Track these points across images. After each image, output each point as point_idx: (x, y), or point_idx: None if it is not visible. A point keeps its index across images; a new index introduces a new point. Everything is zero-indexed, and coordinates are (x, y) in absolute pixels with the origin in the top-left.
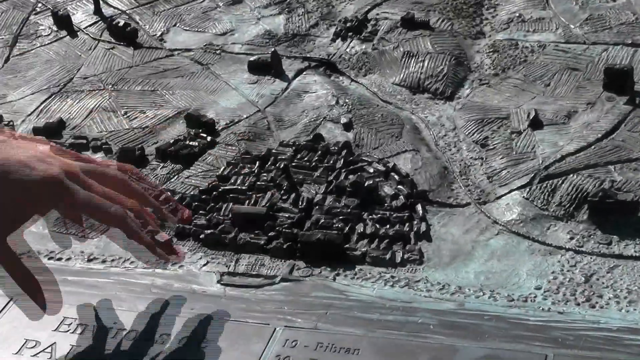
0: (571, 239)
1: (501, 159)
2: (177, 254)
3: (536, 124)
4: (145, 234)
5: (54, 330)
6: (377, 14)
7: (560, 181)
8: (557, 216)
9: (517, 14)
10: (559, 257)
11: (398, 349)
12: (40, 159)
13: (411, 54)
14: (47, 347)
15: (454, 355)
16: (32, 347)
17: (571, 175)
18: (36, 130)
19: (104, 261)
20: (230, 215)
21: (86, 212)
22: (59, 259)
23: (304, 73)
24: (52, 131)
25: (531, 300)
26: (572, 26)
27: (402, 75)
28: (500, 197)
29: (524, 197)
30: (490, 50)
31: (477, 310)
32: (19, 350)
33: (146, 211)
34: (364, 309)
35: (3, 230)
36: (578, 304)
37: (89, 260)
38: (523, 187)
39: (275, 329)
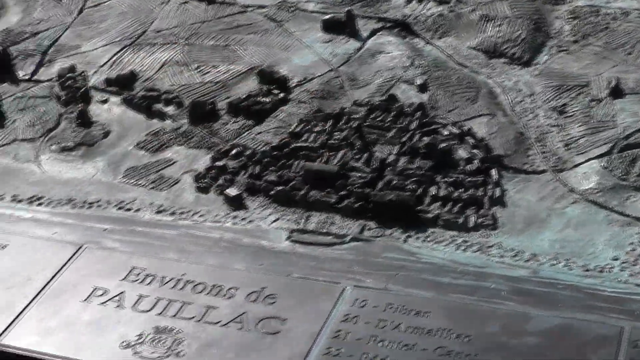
0: None
1: (579, 126)
2: None
3: (617, 92)
4: None
5: (122, 279)
6: None
7: None
8: (637, 187)
9: None
10: (637, 228)
11: (469, 314)
12: None
13: (489, 18)
14: (115, 296)
15: (526, 322)
16: (100, 295)
17: None
18: (109, 82)
19: (173, 213)
20: (301, 173)
21: None
22: (129, 210)
23: (379, 33)
24: (124, 83)
25: (607, 271)
26: None
27: (478, 39)
28: (577, 166)
29: (602, 166)
30: (571, 16)
31: (551, 278)
32: (87, 297)
33: None
34: (435, 272)
35: None
36: None
37: (158, 212)
38: (602, 156)
39: (344, 288)
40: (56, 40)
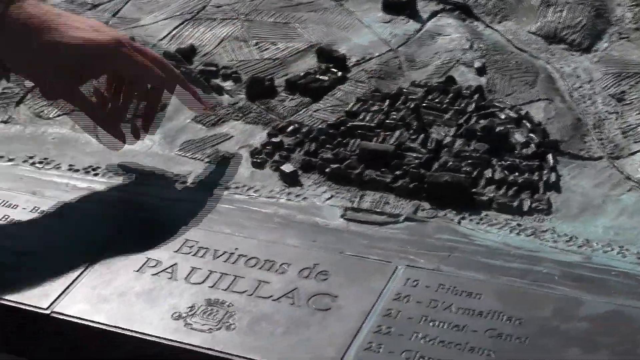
0: None
1: (637, 114)
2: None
3: None
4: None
5: (176, 251)
6: None
7: None
8: None
9: None
10: None
11: (521, 297)
12: (95, 28)
13: (549, 3)
14: (168, 267)
15: (578, 307)
16: (153, 266)
17: None
18: (167, 55)
19: (227, 188)
20: (357, 151)
21: (136, 72)
22: (184, 183)
23: (439, 15)
24: (184, 56)
25: None
26: None
27: (538, 24)
28: (634, 153)
29: None
30: (633, 3)
31: (604, 265)
32: (140, 267)
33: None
34: (488, 255)
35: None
36: None
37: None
38: None
39: (396, 267)
40: (117, 13)
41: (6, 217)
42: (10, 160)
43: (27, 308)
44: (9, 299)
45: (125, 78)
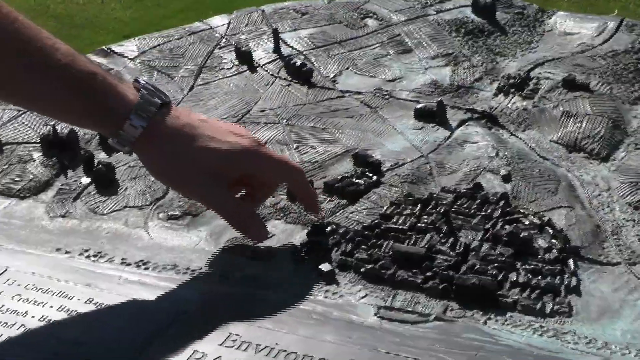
0: None
1: None
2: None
3: None
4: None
5: (220, 344)
6: (539, 73)
7: None
8: None
9: None
10: None
11: None
12: (235, 132)
13: (570, 114)
14: None
15: None
16: (199, 358)
17: None
18: None
19: (268, 285)
20: (390, 253)
21: (274, 171)
22: (227, 278)
23: (467, 124)
24: None
25: None
26: None
27: (560, 134)
28: None
29: None
30: None
31: None
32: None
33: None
34: (512, 355)
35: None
36: None
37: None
38: None
39: None
40: None
41: (62, 307)
42: (67, 252)
43: None
44: None
45: (259, 176)
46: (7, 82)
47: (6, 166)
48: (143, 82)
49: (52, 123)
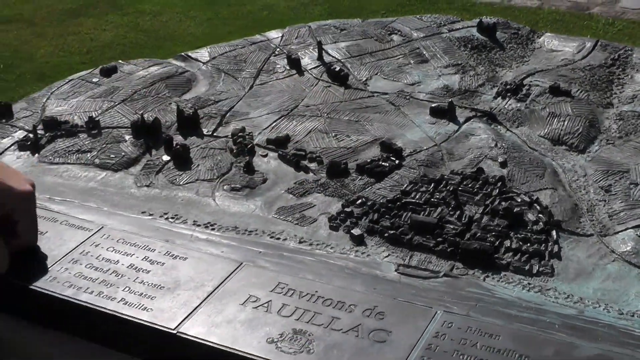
0: None
1: (620, 202)
2: None
3: None
4: None
5: (271, 291)
6: (531, 81)
7: None
8: None
9: None
10: None
11: (529, 340)
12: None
13: (555, 115)
14: (264, 303)
15: (573, 350)
16: (253, 302)
17: None
18: (269, 141)
19: (310, 244)
20: (408, 221)
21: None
22: (278, 239)
23: (471, 120)
24: (280, 143)
25: (637, 316)
26: None
27: (546, 130)
28: (617, 233)
29: (637, 234)
30: (617, 117)
31: (594, 318)
32: (244, 302)
33: None
34: (505, 306)
35: None
36: None
37: (300, 242)
38: (637, 227)
39: (436, 312)
40: (232, 108)
41: (146, 257)
42: (150, 215)
43: (159, 328)
44: (146, 320)
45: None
46: None
47: (104, 145)
48: None
49: (141, 112)
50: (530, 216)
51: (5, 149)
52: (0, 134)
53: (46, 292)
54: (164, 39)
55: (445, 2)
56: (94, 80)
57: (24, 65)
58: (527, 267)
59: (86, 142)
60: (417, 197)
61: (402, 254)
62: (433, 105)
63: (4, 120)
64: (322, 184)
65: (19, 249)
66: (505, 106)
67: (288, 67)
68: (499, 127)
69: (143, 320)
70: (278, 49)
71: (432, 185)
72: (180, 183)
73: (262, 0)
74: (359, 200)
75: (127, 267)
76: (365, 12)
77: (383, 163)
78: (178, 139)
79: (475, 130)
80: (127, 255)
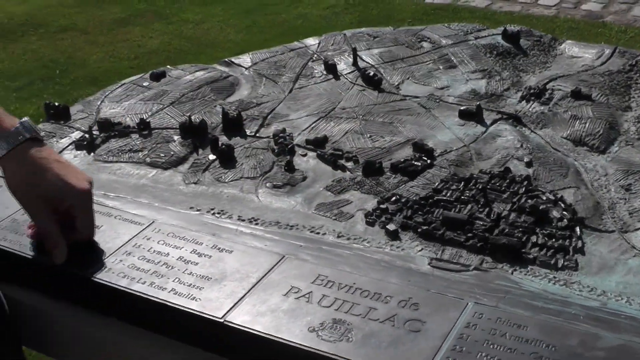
0: None
1: None
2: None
3: None
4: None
5: (312, 282)
6: (553, 86)
7: None
8: None
9: None
10: None
11: (555, 330)
12: (77, 178)
13: (576, 117)
14: (306, 294)
15: (596, 341)
16: (295, 293)
17: None
18: (308, 141)
19: (348, 238)
20: (440, 218)
21: (83, 213)
22: (317, 233)
23: (498, 122)
24: (319, 143)
25: None
26: None
27: (568, 132)
28: (638, 229)
29: None
30: (636, 120)
31: (616, 310)
32: (286, 293)
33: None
34: (532, 298)
35: (42, 209)
36: None
37: (338, 237)
38: None
39: (467, 303)
40: (273, 110)
41: (194, 250)
42: (198, 210)
43: (207, 317)
44: (195, 309)
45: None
46: None
47: (154, 145)
48: (25, 120)
49: (188, 114)
50: (555, 213)
51: (64, 148)
52: (59, 134)
53: (102, 282)
54: (206, 45)
55: (467, 11)
56: (145, 84)
57: (77, 70)
58: (552, 262)
59: (137, 142)
60: (448, 194)
61: (435, 248)
62: (462, 108)
63: (62, 122)
64: (358, 182)
65: (79, 242)
66: (530, 109)
67: (325, 72)
68: (524, 128)
69: (192, 309)
70: (315, 55)
71: (462, 183)
72: (226, 180)
73: (297, 10)
74: (394, 198)
75: (177, 259)
76: (392, 20)
77: (415, 162)
78: (223, 139)
79: (501, 131)
80: (176, 248)
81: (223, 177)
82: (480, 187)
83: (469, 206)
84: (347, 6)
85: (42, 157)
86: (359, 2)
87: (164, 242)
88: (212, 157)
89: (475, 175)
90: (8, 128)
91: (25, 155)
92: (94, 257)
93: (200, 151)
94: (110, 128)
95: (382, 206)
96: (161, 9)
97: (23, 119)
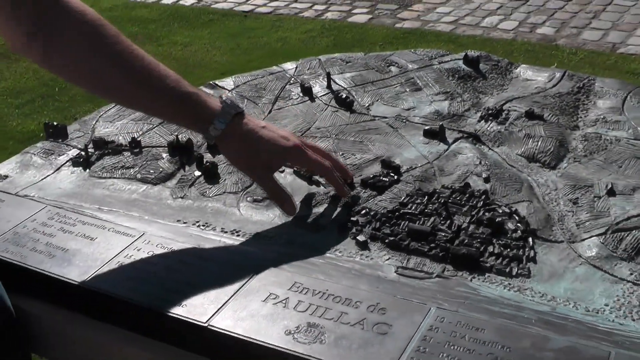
0: (631, 274)
1: (586, 214)
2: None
3: (611, 193)
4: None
5: (288, 289)
6: (509, 107)
7: (626, 234)
8: (622, 257)
9: (602, 116)
10: (621, 285)
11: (510, 333)
12: (283, 136)
13: (530, 136)
14: (283, 300)
15: (546, 342)
16: (273, 299)
17: (634, 230)
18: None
19: (322, 248)
20: (406, 229)
21: (309, 164)
22: (293, 244)
23: (459, 141)
24: None
25: (601, 313)
26: (639, 128)
27: (523, 149)
28: (584, 240)
29: (600, 242)
30: (582, 139)
31: (564, 314)
32: (265, 299)
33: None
34: (489, 303)
35: (265, 174)
36: (633, 320)
37: (312, 247)
38: (600, 234)
39: (430, 308)
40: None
41: (181, 260)
42: (184, 223)
43: (191, 321)
44: (179, 314)
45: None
46: (131, 101)
47: (144, 162)
48: (225, 97)
49: (176, 133)
50: (510, 225)
51: (62, 165)
52: (57, 152)
53: (96, 290)
54: (194, 66)
55: (433, 35)
56: None
57: (75, 88)
58: (507, 270)
59: (129, 160)
60: (413, 208)
61: (401, 257)
62: (426, 127)
63: (60, 140)
64: (331, 196)
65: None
66: (488, 128)
67: (301, 95)
68: (482, 146)
69: (178, 314)
70: (293, 79)
71: (426, 198)
72: (210, 195)
73: (277, 34)
74: (363, 211)
75: (163, 268)
76: (365, 44)
77: (384, 178)
78: (208, 157)
79: (462, 149)
80: (164, 257)
81: (207, 192)
82: (442, 201)
83: (432, 219)
84: (323, 30)
85: (251, 129)
86: (334, 27)
87: (152, 253)
88: (197, 173)
89: (438, 190)
90: (217, 108)
91: (236, 130)
92: (89, 265)
93: (187, 168)
94: (104, 146)
95: (352, 219)
96: (152, 31)
97: (224, 97)
